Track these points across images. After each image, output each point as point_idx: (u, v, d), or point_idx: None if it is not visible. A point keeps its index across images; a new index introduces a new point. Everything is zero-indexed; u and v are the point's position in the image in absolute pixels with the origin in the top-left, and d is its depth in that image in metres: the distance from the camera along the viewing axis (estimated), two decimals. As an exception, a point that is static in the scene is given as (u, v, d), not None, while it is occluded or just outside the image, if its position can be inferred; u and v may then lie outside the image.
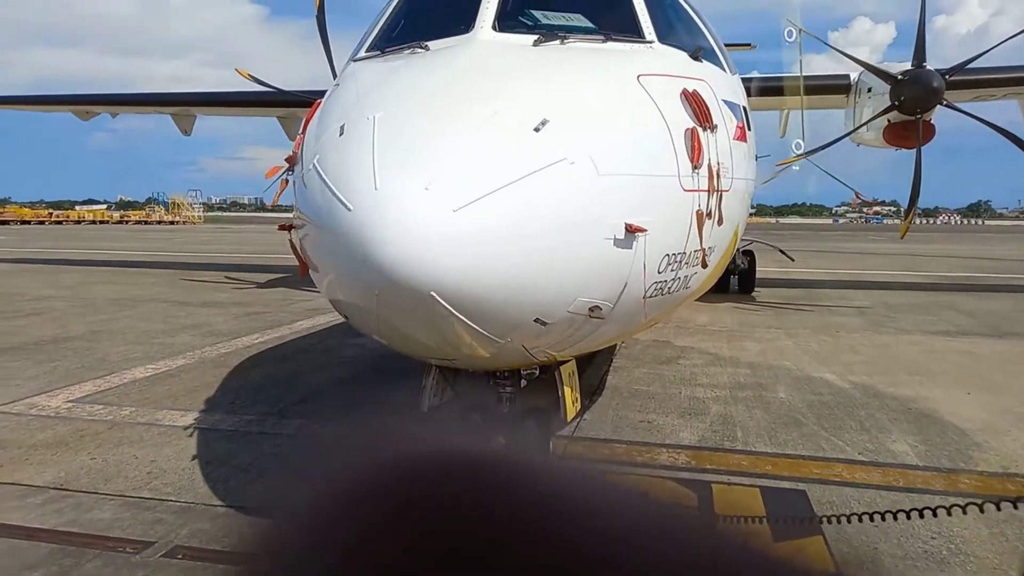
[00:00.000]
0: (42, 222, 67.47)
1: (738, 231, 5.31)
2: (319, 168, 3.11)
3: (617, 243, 3.14)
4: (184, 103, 17.48)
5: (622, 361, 7.75)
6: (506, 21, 4.06)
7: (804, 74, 12.68)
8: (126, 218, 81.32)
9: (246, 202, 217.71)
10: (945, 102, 10.71)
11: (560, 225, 2.93)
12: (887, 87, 10.74)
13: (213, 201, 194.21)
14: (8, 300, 12.19)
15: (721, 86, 4.72)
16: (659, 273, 3.55)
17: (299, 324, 10.00)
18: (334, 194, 2.87)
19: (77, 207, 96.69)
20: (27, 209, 75.33)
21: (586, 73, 3.84)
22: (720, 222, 4.15)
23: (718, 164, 4.03)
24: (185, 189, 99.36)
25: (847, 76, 12.83)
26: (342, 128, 3.21)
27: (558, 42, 3.96)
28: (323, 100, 4.22)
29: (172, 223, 76.73)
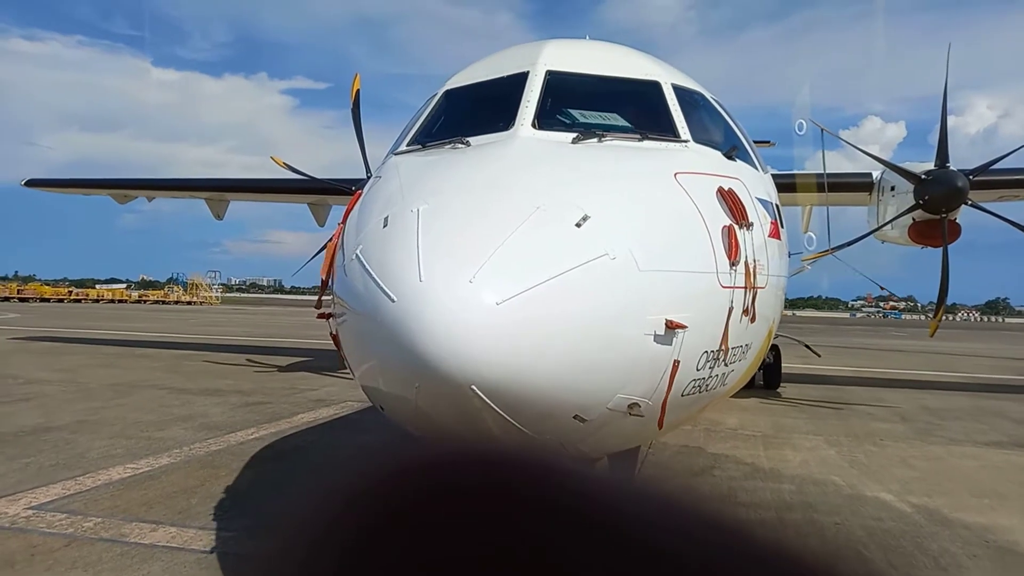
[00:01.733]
0: (61, 300, 68.08)
1: (772, 328, 5.18)
2: (362, 258, 3.12)
3: (657, 339, 3.12)
4: (219, 188, 17.93)
5: (650, 469, 7.00)
6: (545, 119, 4.15)
7: (827, 171, 12.85)
8: (144, 298, 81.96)
9: (265, 284, 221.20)
10: (970, 202, 10.67)
11: (601, 320, 2.92)
12: (911, 186, 10.75)
13: (233, 282, 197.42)
14: (0, 383, 11.66)
15: (755, 184, 4.73)
16: (697, 370, 3.50)
17: (300, 417, 9.34)
18: (377, 284, 2.87)
19: (98, 286, 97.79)
20: (47, 287, 76.09)
21: (625, 170, 3.89)
22: (756, 319, 4.05)
23: (754, 261, 4.00)
24: (207, 270, 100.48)
25: (869, 174, 12.99)
26: (386, 220, 3.24)
27: (596, 140, 4.04)
28: (364, 191, 4.30)
29: (190, 303, 77.23)
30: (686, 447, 8.10)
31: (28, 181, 18.97)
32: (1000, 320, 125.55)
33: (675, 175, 3.80)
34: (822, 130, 12.27)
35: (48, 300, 66.42)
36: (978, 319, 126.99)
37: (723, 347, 3.67)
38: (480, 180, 3.52)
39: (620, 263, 3.00)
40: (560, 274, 2.79)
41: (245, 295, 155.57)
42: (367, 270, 3.02)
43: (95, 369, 14.00)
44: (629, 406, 3.13)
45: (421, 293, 2.70)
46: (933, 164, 10.71)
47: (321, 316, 4.28)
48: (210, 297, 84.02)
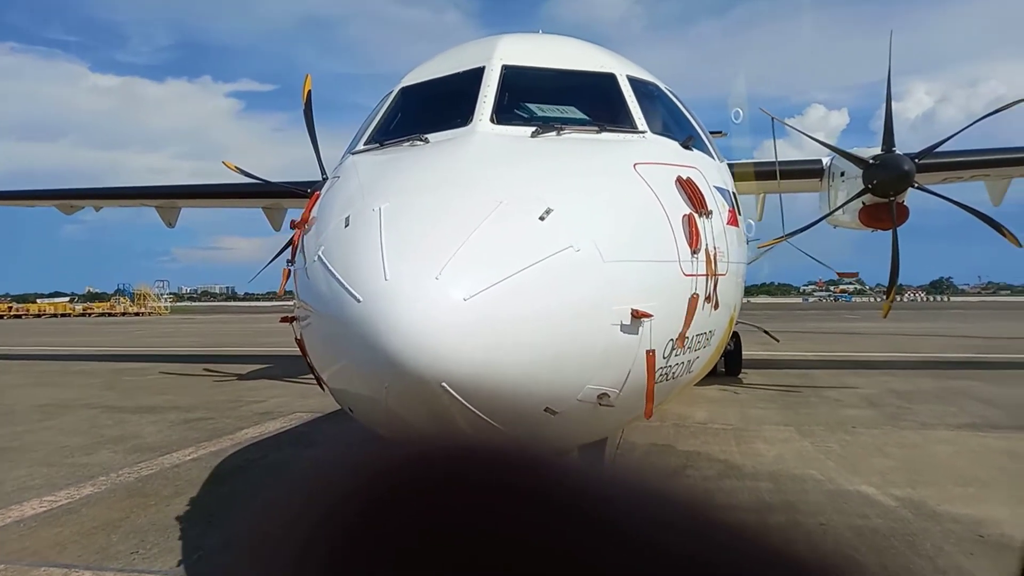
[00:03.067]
0: (0, 316, 65.19)
1: (734, 315, 5.27)
2: (325, 259, 3.07)
3: (624, 329, 3.12)
4: (170, 195, 17.40)
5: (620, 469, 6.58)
6: (503, 114, 4.16)
7: (779, 159, 13.10)
8: (89, 310, 79.23)
9: (217, 291, 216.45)
10: (916, 184, 10.87)
11: (568, 312, 2.91)
12: (859, 171, 10.93)
13: (184, 291, 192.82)
14: (-85, 409, 10.73)
15: (712, 173, 4.77)
16: (664, 358, 3.50)
17: (244, 433, 8.70)
18: (342, 285, 2.82)
19: (39, 300, 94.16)
20: (-16, 303, 72.85)
21: (585, 162, 3.89)
22: (718, 306, 4.12)
23: (715, 249, 4.04)
24: (155, 280, 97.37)
25: (820, 161, 13.28)
26: (347, 220, 3.20)
27: (554, 133, 4.03)
28: (322, 192, 4.24)
29: (137, 314, 74.79)
30: (655, 445, 7.71)
31: None
32: (945, 299, 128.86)
33: (634, 166, 3.79)
34: (772, 119, 12.76)
35: (-15, 317, 63.64)
36: (924, 299, 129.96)
37: (687, 335, 3.69)
38: (441, 176, 3.47)
39: (584, 255, 2.98)
40: (526, 268, 2.76)
41: (197, 304, 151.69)
42: (330, 271, 2.96)
43: (25, 389, 13.09)
44: (599, 397, 3.11)
45: (387, 292, 2.66)
46: (880, 149, 10.86)
47: (284, 320, 4.22)
48: (158, 307, 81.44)
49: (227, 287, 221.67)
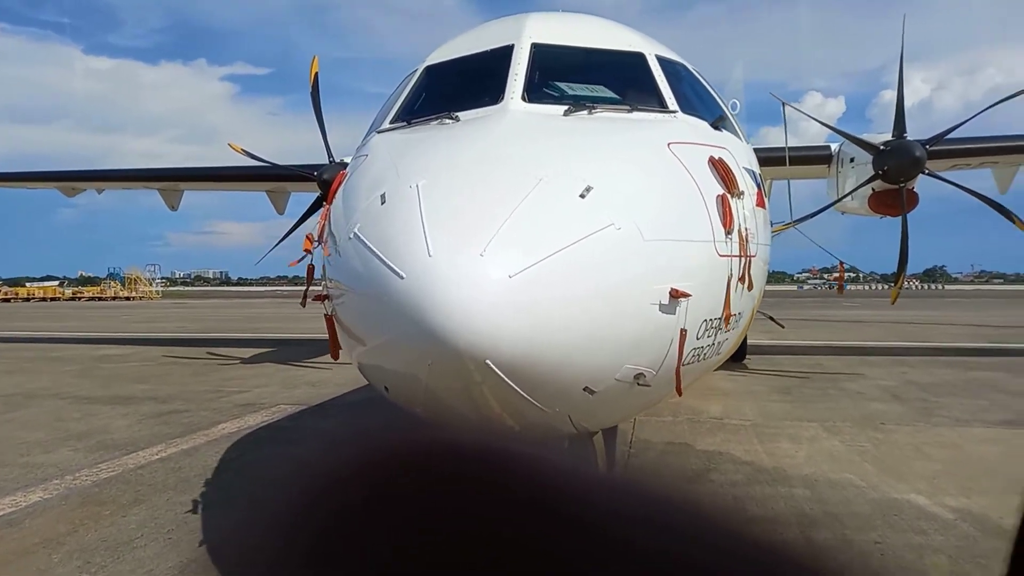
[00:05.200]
0: (-13, 300, 64.29)
1: (760, 297, 5.16)
2: (362, 236, 3.02)
3: (662, 309, 3.10)
4: (173, 178, 16.97)
5: (636, 474, 5.90)
6: (534, 92, 4.10)
7: (788, 145, 13.12)
8: (79, 295, 78.35)
9: (210, 276, 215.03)
10: (927, 171, 10.78)
11: (609, 291, 2.88)
12: (870, 157, 10.82)
13: (177, 275, 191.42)
14: None
15: (741, 154, 4.72)
16: (697, 339, 3.46)
17: (221, 428, 7.98)
18: (383, 262, 2.76)
19: (29, 284, 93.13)
20: (-28, 287, 71.89)
21: (620, 141, 3.84)
22: (748, 287, 4.06)
23: (746, 230, 3.98)
24: (146, 264, 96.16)
25: (828, 147, 13.17)
26: (383, 197, 3.15)
27: (587, 112, 4.01)
28: (349, 171, 4.24)
29: (128, 299, 73.94)
30: (672, 444, 7.05)
31: None
32: (939, 287, 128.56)
33: (668, 145, 3.75)
34: (783, 104, 12.51)
35: (-28, 300, 62.74)
36: (918, 287, 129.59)
37: (720, 315, 3.67)
38: (477, 153, 3.42)
39: (625, 233, 2.94)
40: (569, 245, 2.72)
41: (190, 288, 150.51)
42: (369, 248, 2.89)
43: (-7, 377, 12.34)
44: (635, 376, 3.07)
45: (431, 268, 2.60)
46: (891, 135, 10.79)
47: (319, 298, 4.18)
48: (149, 292, 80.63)
49: (221, 272, 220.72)
